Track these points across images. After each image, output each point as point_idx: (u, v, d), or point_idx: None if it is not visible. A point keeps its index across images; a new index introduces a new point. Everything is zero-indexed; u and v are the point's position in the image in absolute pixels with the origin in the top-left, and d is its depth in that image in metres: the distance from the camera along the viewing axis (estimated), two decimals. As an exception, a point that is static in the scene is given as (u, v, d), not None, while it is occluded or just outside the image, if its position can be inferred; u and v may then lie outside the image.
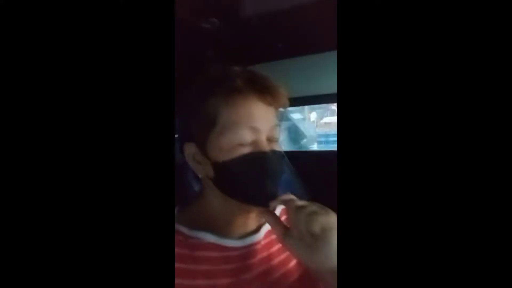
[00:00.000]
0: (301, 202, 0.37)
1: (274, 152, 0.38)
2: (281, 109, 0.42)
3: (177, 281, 0.33)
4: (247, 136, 0.36)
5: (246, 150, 0.36)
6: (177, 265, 0.34)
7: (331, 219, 0.34)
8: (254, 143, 0.37)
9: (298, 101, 1.12)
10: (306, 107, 3.27)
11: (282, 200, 0.37)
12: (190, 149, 0.40)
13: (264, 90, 0.38)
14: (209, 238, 0.38)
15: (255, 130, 0.37)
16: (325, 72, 1.00)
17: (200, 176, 0.41)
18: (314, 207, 0.35)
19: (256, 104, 0.38)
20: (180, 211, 0.42)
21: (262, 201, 0.38)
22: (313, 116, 3.34)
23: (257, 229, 0.43)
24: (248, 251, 0.40)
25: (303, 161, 1.09)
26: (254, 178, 0.37)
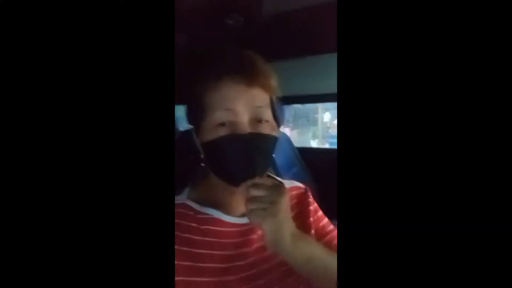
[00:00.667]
0: (260, 192, 0.36)
1: (250, 133, 0.38)
2: (268, 89, 0.41)
3: (185, 248, 0.38)
4: (222, 117, 0.38)
5: (223, 131, 0.38)
6: (186, 235, 0.39)
7: (279, 220, 0.35)
8: (232, 124, 0.38)
9: (311, 99, 1.13)
10: (320, 108, 3.26)
11: (254, 183, 0.37)
12: (193, 133, 0.43)
13: (244, 72, 0.38)
14: (215, 213, 0.42)
15: (231, 111, 0.38)
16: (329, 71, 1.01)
17: (202, 156, 0.43)
18: (269, 198, 0.35)
19: (237, 85, 0.38)
20: (192, 189, 0.46)
21: (233, 181, 0.39)
22: (327, 116, 3.33)
23: None
24: (248, 228, 0.43)
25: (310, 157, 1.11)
26: (227, 158, 0.38)
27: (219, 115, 0.38)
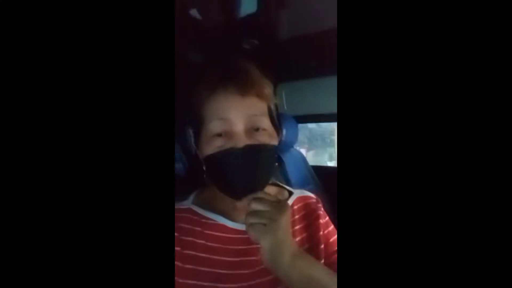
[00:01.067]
0: (261, 206, 0.35)
1: (247, 145, 0.37)
2: (263, 97, 0.40)
3: (188, 252, 0.38)
4: (217, 127, 0.38)
5: (218, 143, 0.38)
6: (190, 239, 0.39)
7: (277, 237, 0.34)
8: (228, 134, 0.38)
9: (327, 118, 1.13)
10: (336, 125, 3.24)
11: (256, 196, 0.37)
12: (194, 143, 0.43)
13: (237, 81, 0.38)
14: (219, 219, 0.42)
15: (226, 121, 0.37)
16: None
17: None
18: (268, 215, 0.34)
19: (231, 95, 0.38)
20: (198, 194, 0.46)
21: (234, 195, 0.39)
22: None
23: None
24: None
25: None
26: (226, 172, 0.38)
27: (214, 125, 0.38)
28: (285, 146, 0.89)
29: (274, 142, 0.41)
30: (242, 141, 0.37)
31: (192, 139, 0.42)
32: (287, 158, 0.90)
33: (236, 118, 0.38)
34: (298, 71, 1.05)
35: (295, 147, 1.01)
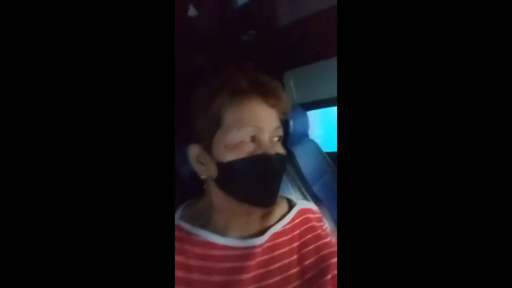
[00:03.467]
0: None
1: (277, 153, 0.38)
2: (283, 112, 0.42)
3: (176, 273, 0.35)
4: (251, 134, 0.38)
5: (249, 148, 0.37)
6: (177, 258, 0.36)
7: None
8: (258, 142, 0.38)
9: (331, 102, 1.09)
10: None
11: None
12: (194, 151, 0.41)
13: (267, 92, 0.39)
14: (210, 236, 0.39)
15: (259, 129, 0.38)
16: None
17: (203, 176, 0.42)
18: None
19: (260, 104, 0.39)
20: (184, 208, 0.44)
21: (264, 202, 0.39)
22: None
23: (261, 232, 0.41)
24: (248, 253, 0.38)
25: None
26: (257, 179, 0.37)
27: (247, 131, 0.38)
28: (296, 137, 0.87)
29: (283, 152, 0.42)
30: (270, 149, 0.38)
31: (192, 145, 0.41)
32: (298, 150, 0.87)
33: (268, 127, 0.39)
34: (302, 56, 1.01)
35: (307, 137, 0.98)
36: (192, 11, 0.70)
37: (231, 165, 0.38)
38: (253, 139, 0.38)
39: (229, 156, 0.38)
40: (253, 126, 0.38)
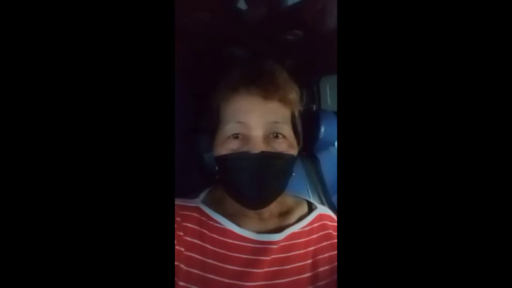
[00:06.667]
0: None
1: (262, 152, 0.35)
2: (289, 102, 0.38)
3: (191, 254, 0.36)
4: (234, 129, 0.36)
5: (233, 146, 0.36)
6: (195, 240, 0.36)
7: None
8: (244, 137, 0.36)
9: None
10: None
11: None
12: (208, 141, 0.42)
13: (260, 84, 0.36)
14: (228, 224, 0.39)
15: (243, 125, 0.36)
16: None
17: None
18: None
19: (249, 98, 0.36)
20: (209, 193, 0.44)
21: (249, 203, 0.37)
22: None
23: (279, 229, 0.41)
24: (263, 248, 0.38)
25: None
26: (239, 178, 0.36)
27: (231, 127, 0.36)
28: (323, 143, 0.85)
29: (293, 151, 0.39)
30: (258, 146, 0.35)
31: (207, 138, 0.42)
32: (324, 156, 0.86)
33: (256, 123, 0.36)
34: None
35: (334, 145, 0.96)
36: (241, 4, 0.71)
37: (219, 159, 0.38)
38: (237, 136, 0.37)
39: (217, 152, 0.38)
40: (236, 122, 0.36)
